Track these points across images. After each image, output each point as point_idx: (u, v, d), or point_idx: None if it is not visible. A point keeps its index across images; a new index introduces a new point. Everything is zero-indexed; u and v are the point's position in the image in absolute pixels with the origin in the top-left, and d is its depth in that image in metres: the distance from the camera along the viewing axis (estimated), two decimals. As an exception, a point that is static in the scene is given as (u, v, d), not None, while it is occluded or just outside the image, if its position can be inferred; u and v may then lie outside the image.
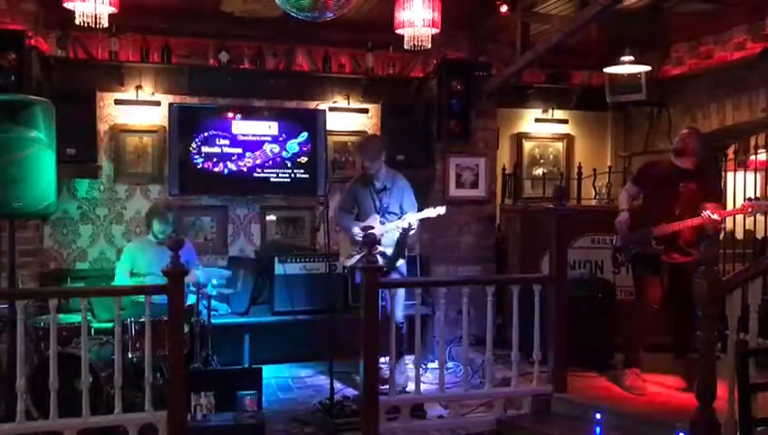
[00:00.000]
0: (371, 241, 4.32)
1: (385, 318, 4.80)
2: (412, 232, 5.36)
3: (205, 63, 6.58)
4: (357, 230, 5.29)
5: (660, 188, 4.89)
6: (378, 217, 5.37)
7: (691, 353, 4.62)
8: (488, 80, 6.57)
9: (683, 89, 6.76)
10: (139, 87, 6.42)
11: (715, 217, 4.62)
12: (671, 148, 4.96)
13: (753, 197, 5.29)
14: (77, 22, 4.52)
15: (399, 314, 5.34)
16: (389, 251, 5.36)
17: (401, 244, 5.41)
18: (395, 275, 5.44)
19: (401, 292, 5.43)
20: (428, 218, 5.31)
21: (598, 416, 4.30)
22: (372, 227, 5.19)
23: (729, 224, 6.70)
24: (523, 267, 6.13)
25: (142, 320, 4.37)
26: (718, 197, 4.90)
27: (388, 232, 5.28)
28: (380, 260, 4.99)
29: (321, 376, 5.79)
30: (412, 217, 5.24)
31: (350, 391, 5.21)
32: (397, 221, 5.28)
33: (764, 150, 6.79)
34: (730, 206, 5.77)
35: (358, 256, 5.23)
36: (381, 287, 4.53)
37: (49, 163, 4.34)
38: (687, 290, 4.69)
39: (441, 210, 5.26)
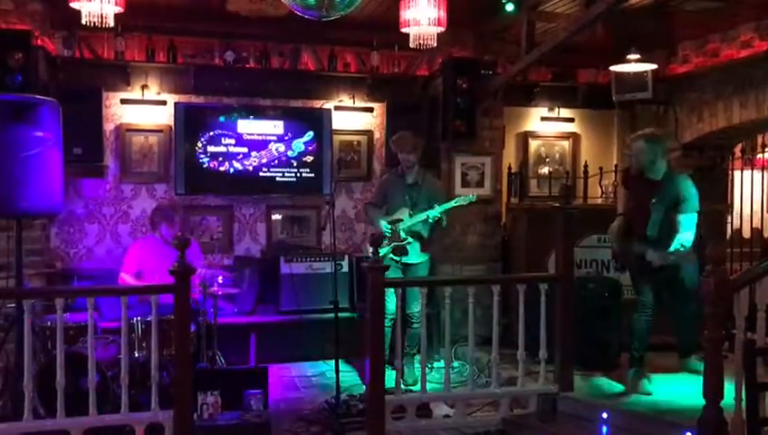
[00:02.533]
0: (376, 240, 4.33)
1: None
2: (444, 223, 5.42)
3: (210, 63, 6.59)
4: (385, 224, 5.45)
5: (635, 199, 4.87)
6: (407, 210, 5.47)
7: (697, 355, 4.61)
8: (494, 78, 6.56)
9: (689, 87, 6.73)
10: (144, 86, 6.44)
11: None
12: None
13: None
14: (83, 21, 4.54)
15: (415, 307, 5.29)
16: (412, 243, 5.44)
17: (426, 239, 5.50)
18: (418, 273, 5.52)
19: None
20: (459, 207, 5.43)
21: (604, 415, 4.29)
22: (401, 220, 5.42)
23: (736, 222, 6.69)
24: (528, 266, 6.12)
25: (149, 319, 4.37)
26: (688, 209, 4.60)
27: (414, 223, 5.40)
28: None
29: (326, 375, 5.79)
30: (442, 207, 5.32)
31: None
32: (428, 211, 5.35)
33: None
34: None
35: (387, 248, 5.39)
36: (387, 286, 4.53)
37: (55, 163, 4.34)
38: (681, 288, 4.68)
39: (472, 197, 5.45)
